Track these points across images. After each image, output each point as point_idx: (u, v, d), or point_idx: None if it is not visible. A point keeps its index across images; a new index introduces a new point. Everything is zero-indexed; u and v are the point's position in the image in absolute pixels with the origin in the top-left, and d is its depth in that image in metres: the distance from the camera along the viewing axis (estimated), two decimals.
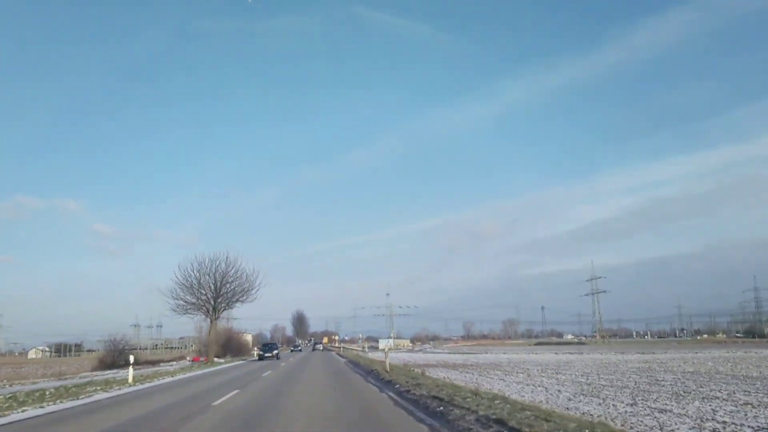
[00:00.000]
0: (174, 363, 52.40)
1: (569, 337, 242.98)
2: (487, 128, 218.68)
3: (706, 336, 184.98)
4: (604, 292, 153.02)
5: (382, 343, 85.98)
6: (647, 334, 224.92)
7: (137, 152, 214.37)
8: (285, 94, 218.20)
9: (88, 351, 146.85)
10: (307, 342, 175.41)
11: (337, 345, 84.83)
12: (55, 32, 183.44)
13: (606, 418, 11.45)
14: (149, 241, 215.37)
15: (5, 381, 29.37)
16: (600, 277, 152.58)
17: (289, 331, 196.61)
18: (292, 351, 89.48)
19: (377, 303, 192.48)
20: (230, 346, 60.46)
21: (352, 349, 70.25)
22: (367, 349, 71.67)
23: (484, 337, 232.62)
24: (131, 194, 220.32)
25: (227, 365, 43.44)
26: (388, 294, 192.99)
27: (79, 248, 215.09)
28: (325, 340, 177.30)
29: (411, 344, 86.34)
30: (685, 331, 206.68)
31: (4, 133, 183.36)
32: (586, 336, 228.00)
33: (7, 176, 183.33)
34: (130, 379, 23.34)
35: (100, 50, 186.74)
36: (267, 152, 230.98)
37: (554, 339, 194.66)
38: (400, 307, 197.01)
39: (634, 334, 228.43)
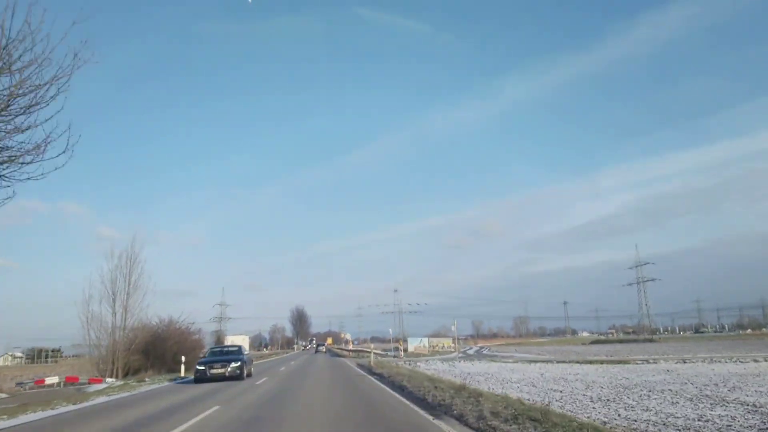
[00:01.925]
0: None
1: (585, 334, 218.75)
2: (489, 126, 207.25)
3: (749, 331, 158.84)
4: (653, 280, 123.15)
5: (413, 344, 55.66)
6: (675, 329, 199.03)
7: (139, 154, 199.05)
8: (286, 94, 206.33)
9: (74, 356, 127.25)
10: (307, 343, 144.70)
11: (350, 348, 53.18)
12: (55, 32, 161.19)
13: None
14: (153, 243, 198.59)
15: None
16: (647, 263, 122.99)
17: (289, 331, 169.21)
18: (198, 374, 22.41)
19: (381, 303, 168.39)
20: (157, 352, 30.12)
21: (370, 353, 40.99)
22: (402, 354, 42.20)
23: (495, 335, 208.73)
24: (134, 196, 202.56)
25: None
26: (396, 290, 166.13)
27: (84, 252, 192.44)
28: (329, 341, 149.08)
29: (453, 344, 56.17)
30: (716, 326, 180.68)
31: None
32: (602, 333, 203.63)
33: None
34: None
35: (100, 52, 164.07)
36: (269, 152, 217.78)
37: (612, 336, 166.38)
38: (409, 304, 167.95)
39: (661, 329, 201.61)
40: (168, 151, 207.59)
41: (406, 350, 53.62)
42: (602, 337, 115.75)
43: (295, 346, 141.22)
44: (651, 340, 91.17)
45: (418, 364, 29.18)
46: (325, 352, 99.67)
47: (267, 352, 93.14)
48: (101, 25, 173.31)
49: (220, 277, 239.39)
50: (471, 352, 54.09)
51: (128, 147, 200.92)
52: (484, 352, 52.15)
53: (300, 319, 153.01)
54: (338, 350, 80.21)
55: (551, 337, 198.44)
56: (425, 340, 59.47)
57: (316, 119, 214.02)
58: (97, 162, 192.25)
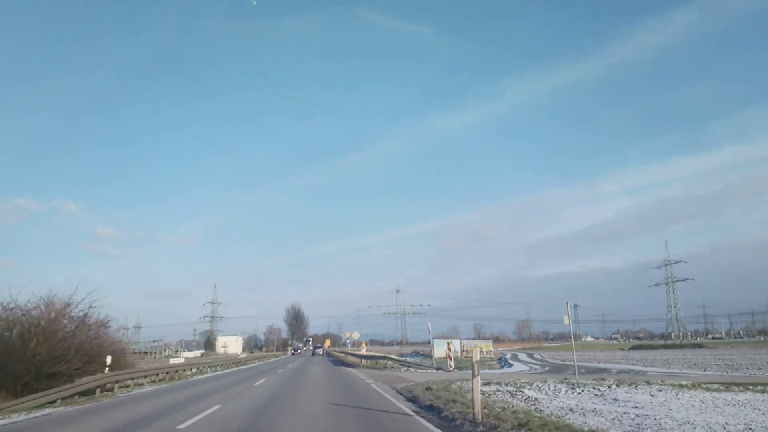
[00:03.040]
0: None
1: (589, 338, 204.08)
2: (489, 129, 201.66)
3: None
4: (685, 280, 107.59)
5: (441, 348, 39.61)
6: (687, 335, 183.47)
7: (138, 153, 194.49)
8: (287, 96, 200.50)
9: None
10: (302, 345, 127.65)
11: (363, 353, 36.45)
12: (56, 32, 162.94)
13: None
14: (151, 243, 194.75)
15: None
16: (678, 262, 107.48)
17: (285, 332, 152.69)
18: None
19: (382, 304, 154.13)
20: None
21: (451, 366, 25.11)
22: (452, 366, 26.39)
23: (498, 339, 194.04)
24: (132, 196, 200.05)
25: None
26: (398, 291, 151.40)
27: (80, 251, 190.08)
28: (327, 342, 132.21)
29: (491, 348, 40.27)
30: (731, 332, 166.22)
31: (3, 135, 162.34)
32: (602, 338, 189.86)
33: (7, 179, 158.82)
34: None
35: (102, 50, 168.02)
36: (268, 153, 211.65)
37: (619, 341, 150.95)
38: (412, 305, 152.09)
39: (672, 335, 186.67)
40: (166, 151, 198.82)
41: (445, 356, 37.45)
42: (644, 342, 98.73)
43: (290, 349, 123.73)
44: (700, 346, 75.71)
45: (524, 391, 13.58)
46: (322, 355, 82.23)
47: (244, 356, 75.68)
48: (104, 22, 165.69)
49: (218, 277, 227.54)
50: (523, 358, 38.64)
51: (126, 145, 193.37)
52: (550, 360, 36.29)
53: (296, 318, 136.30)
54: (340, 354, 63.77)
55: (556, 342, 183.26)
56: (456, 343, 43.77)
57: (316, 120, 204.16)
58: (95, 160, 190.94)
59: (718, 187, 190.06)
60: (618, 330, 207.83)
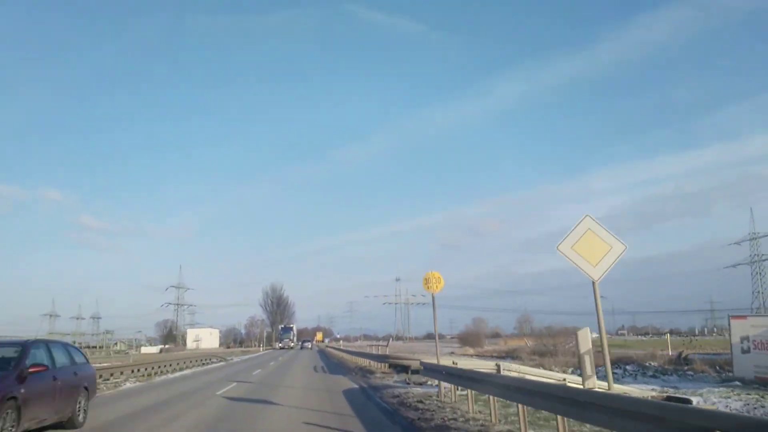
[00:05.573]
0: None
1: (594, 335, 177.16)
2: (481, 125, 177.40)
3: None
4: None
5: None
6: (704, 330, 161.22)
7: (127, 143, 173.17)
8: (279, 90, 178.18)
9: None
10: (280, 340, 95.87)
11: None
12: (47, 20, 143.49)
13: None
14: (140, 235, 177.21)
15: None
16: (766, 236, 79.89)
17: (267, 324, 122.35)
18: None
19: (380, 294, 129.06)
20: None
21: None
22: None
23: (497, 335, 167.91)
24: (121, 186, 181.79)
25: None
26: (398, 279, 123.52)
27: (64, 242, 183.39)
28: (318, 336, 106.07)
29: None
30: None
31: None
32: (612, 334, 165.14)
33: None
34: None
35: (93, 40, 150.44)
36: (262, 146, 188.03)
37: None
38: (414, 295, 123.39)
39: (697, 330, 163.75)
40: (158, 142, 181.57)
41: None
42: None
43: (265, 345, 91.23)
44: None
45: None
46: (311, 349, 63.92)
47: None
48: (96, 10, 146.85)
49: (209, 271, 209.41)
50: None
51: (116, 137, 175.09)
52: None
53: (277, 304, 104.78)
54: (360, 364, 32.99)
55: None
56: None
57: (308, 115, 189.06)
58: (84, 151, 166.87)
59: (710, 184, 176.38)
60: (623, 326, 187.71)
